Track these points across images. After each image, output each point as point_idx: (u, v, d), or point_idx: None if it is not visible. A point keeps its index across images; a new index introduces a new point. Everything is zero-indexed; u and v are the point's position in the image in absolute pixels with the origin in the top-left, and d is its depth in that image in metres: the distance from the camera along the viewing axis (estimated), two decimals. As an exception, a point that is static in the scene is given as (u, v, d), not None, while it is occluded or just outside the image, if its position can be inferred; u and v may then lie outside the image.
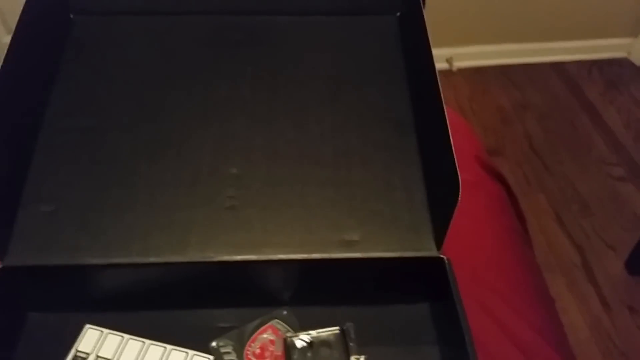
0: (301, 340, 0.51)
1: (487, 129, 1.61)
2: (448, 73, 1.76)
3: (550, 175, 1.51)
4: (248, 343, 0.52)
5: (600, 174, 1.51)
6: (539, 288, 0.67)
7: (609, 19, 1.76)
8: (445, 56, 1.76)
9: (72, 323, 0.52)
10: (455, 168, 0.47)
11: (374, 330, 0.53)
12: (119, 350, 0.49)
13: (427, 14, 0.59)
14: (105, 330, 0.50)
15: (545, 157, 1.55)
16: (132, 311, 0.53)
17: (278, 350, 0.52)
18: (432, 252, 0.52)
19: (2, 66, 0.52)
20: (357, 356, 0.50)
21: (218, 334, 0.52)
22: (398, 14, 0.69)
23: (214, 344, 0.52)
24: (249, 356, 0.51)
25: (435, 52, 0.54)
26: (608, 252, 1.34)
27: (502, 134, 1.61)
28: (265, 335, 0.53)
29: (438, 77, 0.52)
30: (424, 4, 0.63)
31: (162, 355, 0.49)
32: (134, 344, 0.49)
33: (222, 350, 0.51)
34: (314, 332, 0.52)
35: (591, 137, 1.61)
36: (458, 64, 1.77)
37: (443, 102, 0.51)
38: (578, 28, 1.77)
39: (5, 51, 0.52)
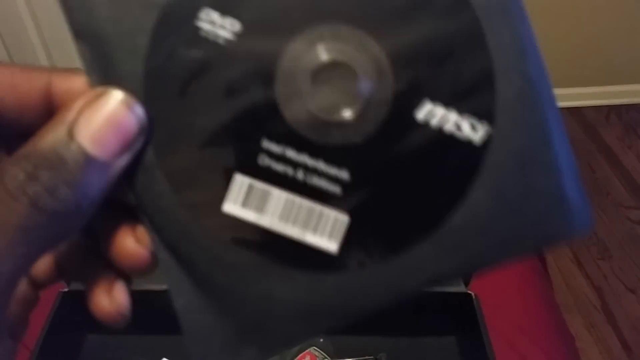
0: (338, 366, 0.56)
1: (506, 171, 1.65)
2: (468, 116, 1.82)
3: (569, 217, 1.53)
4: (288, 368, 0.56)
5: (618, 217, 1.53)
6: (559, 325, 0.70)
7: (627, 65, 1.81)
8: (466, 99, 1.82)
9: (128, 344, 0.56)
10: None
11: (404, 360, 0.57)
12: None
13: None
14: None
15: (564, 199, 1.58)
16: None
17: (316, 376, 0.56)
18: (460, 288, 0.56)
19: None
20: (389, 384, 0.54)
21: (261, 358, 0.56)
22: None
23: (257, 368, 0.56)
24: (290, 380, 0.55)
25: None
26: (627, 295, 1.36)
27: (521, 176, 1.65)
28: (304, 361, 0.57)
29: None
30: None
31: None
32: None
33: (265, 374, 0.56)
34: (349, 360, 0.56)
35: (609, 180, 1.64)
36: (478, 107, 1.83)
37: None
38: (595, 74, 1.82)
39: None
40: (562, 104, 1.86)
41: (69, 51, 1.49)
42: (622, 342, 1.27)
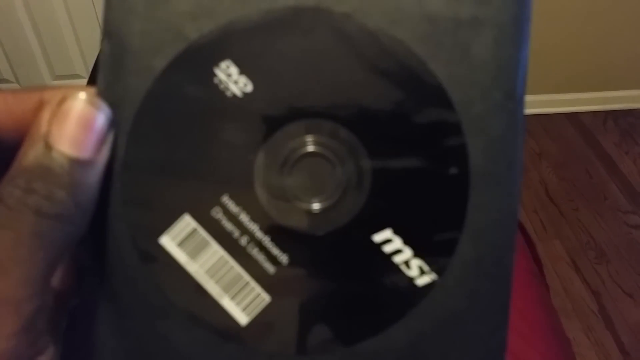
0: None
1: (504, 176, 1.66)
2: (466, 121, 1.82)
3: (566, 222, 1.54)
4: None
5: (616, 221, 1.54)
6: (556, 329, 0.70)
7: (624, 71, 1.82)
8: (463, 105, 1.82)
9: None
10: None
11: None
12: None
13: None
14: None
15: (560, 204, 1.59)
16: None
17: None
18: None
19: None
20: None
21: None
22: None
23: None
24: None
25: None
26: (625, 299, 1.36)
27: (519, 181, 1.65)
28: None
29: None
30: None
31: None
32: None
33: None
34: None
35: (606, 185, 1.65)
36: (475, 113, 1.83)
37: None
38: (592, 80, 1.83)
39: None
40: (559, 109, 1.87)
41: (69, 56, 1.49)
42: (619, 347, 1.27)
